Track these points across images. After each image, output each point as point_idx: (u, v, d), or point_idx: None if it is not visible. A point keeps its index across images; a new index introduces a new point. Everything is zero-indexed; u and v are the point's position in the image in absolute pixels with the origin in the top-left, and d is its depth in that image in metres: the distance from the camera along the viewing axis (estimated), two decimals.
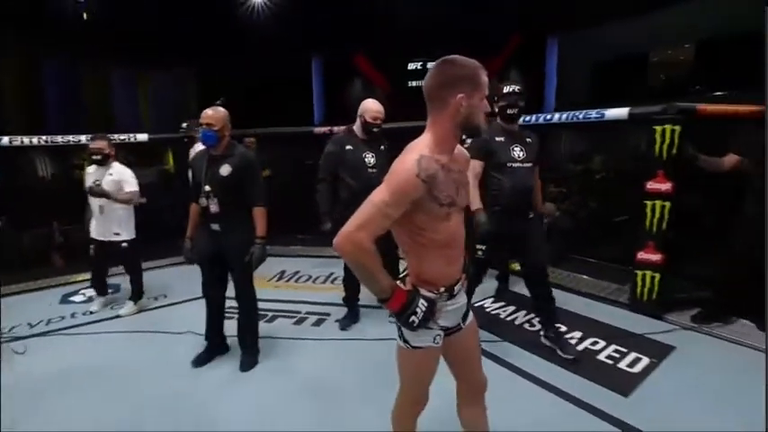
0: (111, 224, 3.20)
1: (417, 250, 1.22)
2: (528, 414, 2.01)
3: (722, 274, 2.81)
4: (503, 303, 3.30)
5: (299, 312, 3.22)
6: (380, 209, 1.10)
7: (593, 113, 3.16)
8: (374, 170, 2.76)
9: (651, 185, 2.89)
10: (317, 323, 3.06)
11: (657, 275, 2.94)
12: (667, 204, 2.85)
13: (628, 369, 2.36)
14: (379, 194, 1.12)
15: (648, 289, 2.97)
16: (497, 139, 2.45)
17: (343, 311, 3.09)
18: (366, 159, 2.79)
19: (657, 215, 2.88)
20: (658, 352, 2.51)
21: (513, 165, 2.43)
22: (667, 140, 2.67)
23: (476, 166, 2.39)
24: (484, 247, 2.50)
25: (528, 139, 2.50)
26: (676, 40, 7.52)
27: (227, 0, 8.10)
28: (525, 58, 8.20)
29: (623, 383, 2.24)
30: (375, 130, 2.77)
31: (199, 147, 3.51)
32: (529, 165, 2.46)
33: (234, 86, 9.26)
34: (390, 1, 8.11)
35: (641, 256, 2.99)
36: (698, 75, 7.19)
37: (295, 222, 5.45)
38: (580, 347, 2.61)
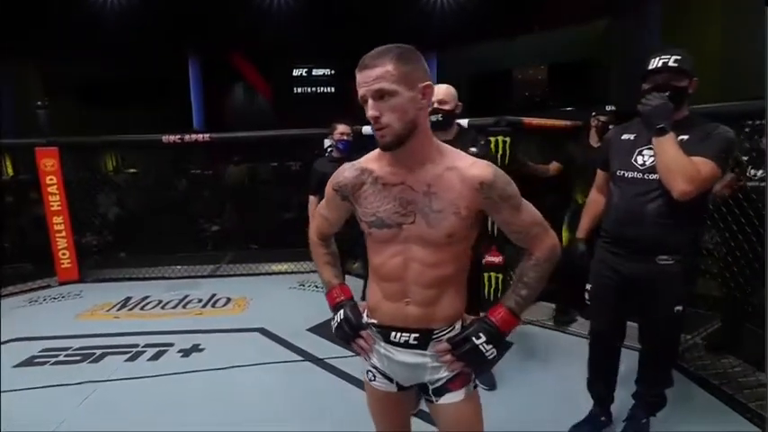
0: None
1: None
2: None
3: None
4: None
5: (135, 346, 2.79)
6: (319, 208, 1.19)
7: None
8: None
9: None
10: (155, 357, 2.67)
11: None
12: None
13: None
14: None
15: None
16: (623, 137, 1.67)
17: (190, 339, 2.81)
18: None
19: None
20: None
21: (627, 174, 1.62)
22: (500, 150, 2.88)
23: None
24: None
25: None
26: (534, 61, 8.57)
27: None
28: None
29: None
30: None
31: None
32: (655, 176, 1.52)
33: (87, 85, 8.08)
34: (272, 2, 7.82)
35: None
36: (552, 92, 8.28)
37: (177, 239, 4.87)
38: None
